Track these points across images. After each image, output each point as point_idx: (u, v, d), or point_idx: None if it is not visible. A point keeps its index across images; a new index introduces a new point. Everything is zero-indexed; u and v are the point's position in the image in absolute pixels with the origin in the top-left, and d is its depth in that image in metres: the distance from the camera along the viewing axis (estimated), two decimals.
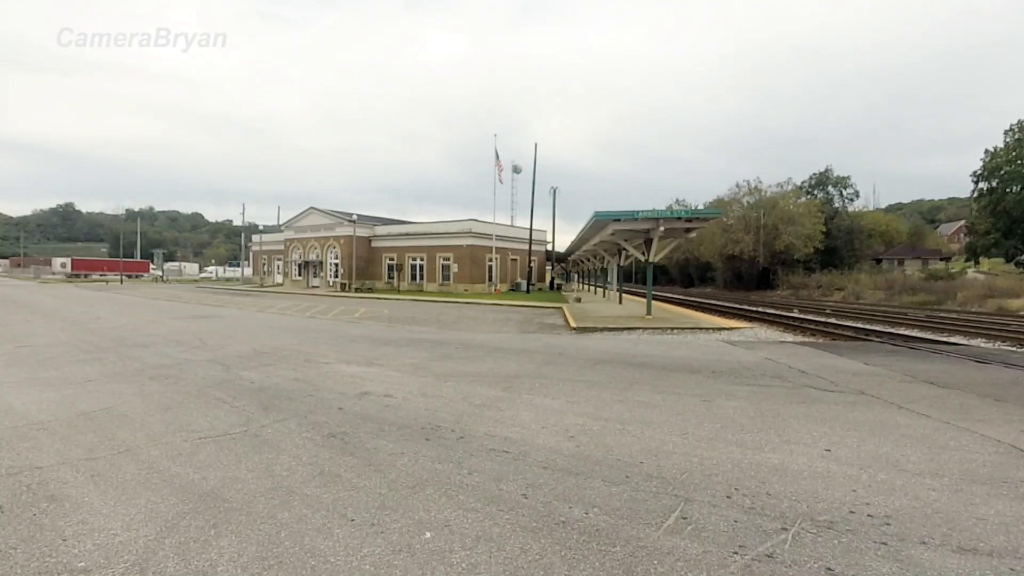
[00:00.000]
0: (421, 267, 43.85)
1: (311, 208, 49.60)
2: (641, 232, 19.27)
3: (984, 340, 14.17)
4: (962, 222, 68.35)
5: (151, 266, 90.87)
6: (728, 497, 3.45)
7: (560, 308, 23.38)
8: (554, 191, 45.14)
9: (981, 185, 45.05)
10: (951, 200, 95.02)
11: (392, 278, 43.96)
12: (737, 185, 57.58)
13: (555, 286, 48.33)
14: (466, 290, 39.85)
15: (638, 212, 17.45)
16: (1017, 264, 43.21)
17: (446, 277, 42.19)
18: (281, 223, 56.86)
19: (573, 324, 15.94)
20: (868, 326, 17.70)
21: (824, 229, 50.25)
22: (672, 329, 15.05)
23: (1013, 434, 4.88)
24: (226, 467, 3.96)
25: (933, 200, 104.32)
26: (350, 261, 44.90)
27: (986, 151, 44.38)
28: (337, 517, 3.15)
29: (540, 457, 4.22)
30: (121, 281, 62.86)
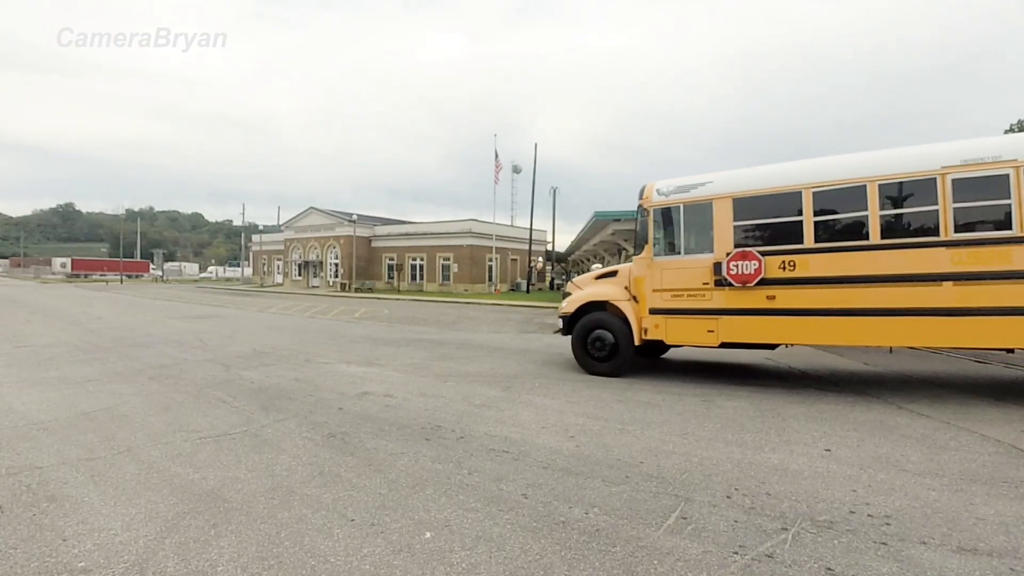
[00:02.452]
0: (421, 267, 43.85)
1: (311, 208, 49.61)
2: None
3: None
4: None
5: (151, 266, 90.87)
6: (728, 497, 3.45)
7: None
8: (554, 191, 45.10)
9: None
10: None
11: (392, 278, 43.97)
12: None
13: (555, 286, 48.34)
14: (466, 290, 39.85)
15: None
16: None
17: (446, 277, 42.20)
18: (281, 223, 56.90)
19: None
20: None
21: None
22: None
23: (1013, 434, 4.87)
24: (226, 467, 3.96)
25: None
26: (350, 261, 44.91)
27: None
28: (337, 517, 3.15)
29: (540, 457, 4.22)
30: (121, 281, 62.88)
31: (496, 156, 42.19)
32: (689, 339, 7.29)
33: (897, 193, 6.14)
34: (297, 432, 4.84)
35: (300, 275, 50.25)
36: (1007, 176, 5.59)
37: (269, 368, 8.21)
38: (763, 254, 6.70)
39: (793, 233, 6.62)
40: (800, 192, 6.58)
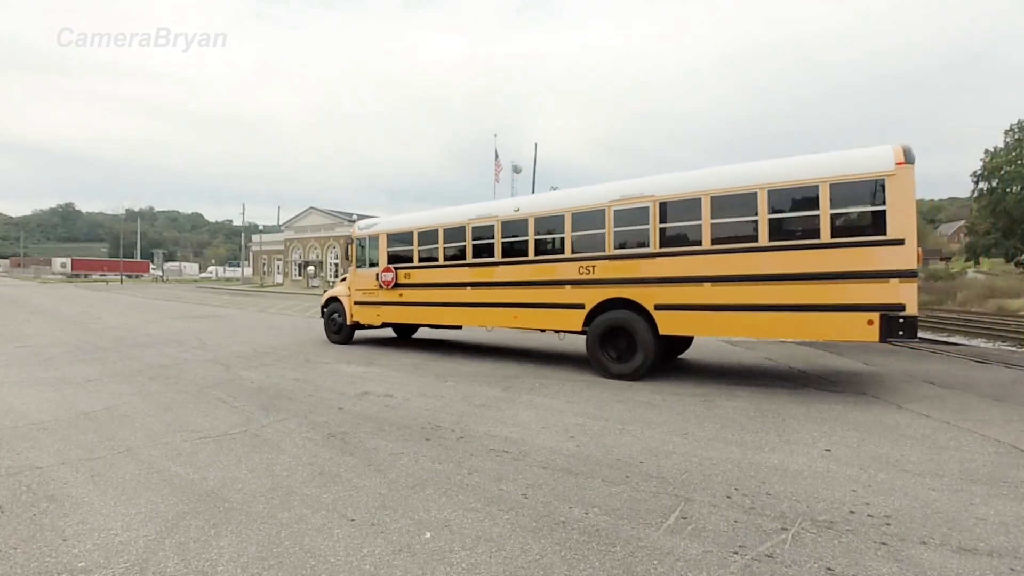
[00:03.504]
0: None
1: (311, 208, 49.60)
2: None
3: (984, 340, 14.18)
4: (962, 222, 68.33)
5: (151, 266, 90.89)
6: (728, 497, 3.45)
7: None
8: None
9: (981, 185, 45.02)
10: (951, 200, 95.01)
11: None
12: None
13: None
14: None
15: None
16: (1017, 264, 43.20)
17: None
18: (281, 223, 56.87)
19: None
20: None
21: None
22: None
23: (1013, 434, 4.87)
24: (226, 467, 3.95)
25: (933, 200, 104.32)
26: None
27: (986, 151, 44.37)
28: (337, 517, 3.14)
29: (540, 457, 4.22)
30: (121, 281, 62.84)
31: (496, 156, 42.16)
32: (369, 320, 11.14)
33: (450, 235, 9.75)
34: (297, 432, 4.84)
35: (300, 275, 50.22)
36: (492, 226, 9.06)
37: (269, 368, 8.21)
38: (397, 268, 10.54)
39: (411, 255, 10.43)
40: (412, 232, 10.41)
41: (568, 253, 8.10)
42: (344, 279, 12.08)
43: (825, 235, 6.10)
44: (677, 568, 2.60)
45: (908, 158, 5.86)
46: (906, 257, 5.83)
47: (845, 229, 6.15)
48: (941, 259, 57.80)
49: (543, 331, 9.05)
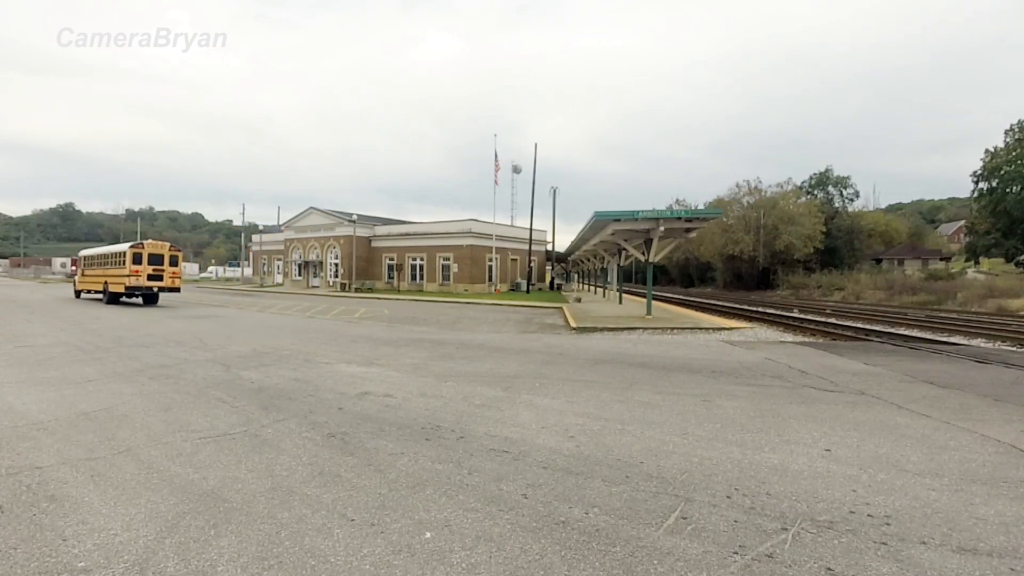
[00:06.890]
0: (421, 267, 43.82)
1: (311, 208, 49.58)
2: (641, 232, 19.27)
3: (984, 340, 14.17)
4: (962, 222, 68.37)
5: None
6: (728, 497, 3.45)
7: (560, 308, 23.38)
8: (554, 191, 45.17)
9: (981, 185, 45.04)
10: (951, 200, 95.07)
11: (392, 278, 43.95)
12: (737, 185, 57.62)
13: (555, 286, 48.32)
14: (466, 290, 39.83)
15: (638, 212, 17.45)
16: (1017, 264, 43.22)
17: (446, 277, 42.17)
18: (281, 223, 56.86)
19: (573, 324, 15.94)
20: (868, 326, 17.69)
21: (824, 229, 50.22)
22: (672, 329, 15.05)
23: (1013, 434, 4.88)
24: (226, 467, 3.95)
25: (933, 200, 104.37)
26: (350, 261, 44.88)
27: (986, 151, 44.39)
28: (337, 517, 3.14)
29: (540, 457, 4.22)
30: None
31: (496, 156, 42.23)
32: (79, 287, 28.11)
33: (92, 257, 27.37)
34: (297, 432, 4.84)
35: (300, 275, 50.22)
36: (104, 255, 26.30)
37: (269, 368, 8.21)
38: (84, 268, 27.69)
39: (87, 264, 27.60)
40: (89, 256, 27.66)
41: (107, 268, 24.23)
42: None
43: (128, 262, 22.64)
44: (677, 568, 2.61)
45: (134, 247, 23.07)
46: (131, 272, 22.39)
47: (123, 263, 23.19)
48: (941, 259, 57.76)
49: (100, 293, 24.65)
